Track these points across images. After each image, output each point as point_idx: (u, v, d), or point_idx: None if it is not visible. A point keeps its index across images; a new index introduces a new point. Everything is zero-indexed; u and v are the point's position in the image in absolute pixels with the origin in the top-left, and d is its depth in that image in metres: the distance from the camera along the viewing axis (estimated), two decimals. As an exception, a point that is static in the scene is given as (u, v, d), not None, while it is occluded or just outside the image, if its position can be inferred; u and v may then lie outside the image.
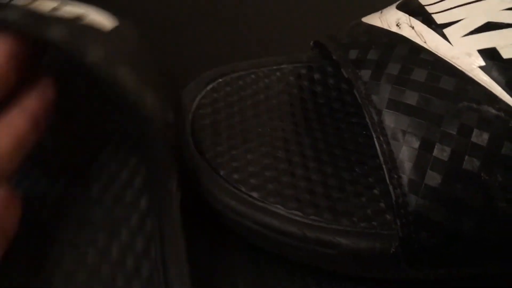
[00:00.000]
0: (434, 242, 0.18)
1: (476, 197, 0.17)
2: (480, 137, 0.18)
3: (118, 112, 0.21)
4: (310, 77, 0.25)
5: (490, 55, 0.18)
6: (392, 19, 0.21)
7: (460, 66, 0.18)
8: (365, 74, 0.20)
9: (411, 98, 0.19)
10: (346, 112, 0.23)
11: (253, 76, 0.25)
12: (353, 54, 0.21)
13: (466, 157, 0.18)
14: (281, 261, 0.21)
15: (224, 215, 0.20)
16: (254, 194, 0.20)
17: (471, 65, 0.18)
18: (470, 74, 0.18)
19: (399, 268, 0.19)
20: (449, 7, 0.20)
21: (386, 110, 0.19)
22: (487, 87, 0.18)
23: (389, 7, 0.22)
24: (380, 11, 0.23)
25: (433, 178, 0.18)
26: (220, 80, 0.24)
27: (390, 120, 0.19)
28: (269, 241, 0.20)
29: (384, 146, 0.18)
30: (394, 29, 0.21)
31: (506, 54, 0.18)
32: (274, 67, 0.26)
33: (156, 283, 0.17)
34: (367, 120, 0.19)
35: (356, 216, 0.20)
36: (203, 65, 0.25)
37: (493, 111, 0.18)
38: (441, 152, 0.18)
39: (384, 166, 0.18)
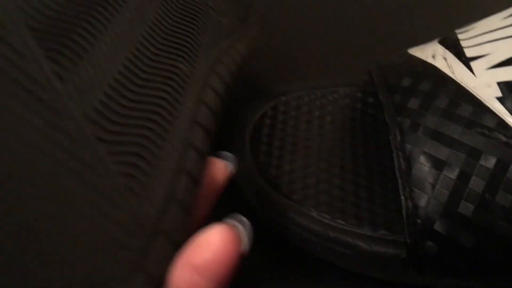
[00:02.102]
0: (437, 252, 0.20)
1: (478, 215, 0.19)
2: (488, 161, 0.19)
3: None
4: (364, 100, 0.28)
5: (507, 87, 0.20)
6: (430, 51, 0.23)
7: (479, 96, 0.20)
8: (396, 98, 0.22)
9: (430, 121, 0.21)
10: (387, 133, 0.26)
11: (311, 96, 0.28)
12: (391, 80, 0.23)
13: (473, 177, 0.19)
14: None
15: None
16: (294, 197, 0.23)
17: (489, 95, 0.20)
18: (487, 104, 0.20)
19: (408, 273, 0.21)
20: (479, 42, 0.22)
21: (408, 130, 0.21)
22: (500, 116, 0.20)
23: (433, 40, 0.25)
24: (426, 43, 0.25)
25: (441, 194, 0.20)
26: (279, 99, 0.28)
27: (409, 139, 0.21)
28: (299, 238, 0.23)
29: (401, 161, 0.21)
30: (429, 60, 0.23)
31: (522, 87, 0.20)
32: (331, 89, 0.29)
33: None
34: (391, 138, 0.21)
35: (377, 224, 0.22)
36: (262, 83, 0.29)
37: (503, 138, 0.19)
38: (450, 171, 0.20)
39: (399, 180, 0.21)
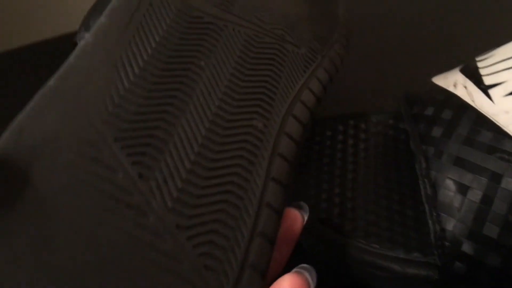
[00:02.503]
0: (466, 272, 0.21)
1: (503, 236, 0.20)
2: (509, 184, 0.20)
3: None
4: (395, 127, 0.30)
5: (524, 113, 0.21)
6: (451, 80, 0.25)
7: (498, 122, 0.22)
8: (421, 127, 0.24)
9: (453, 148, 0.22)
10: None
11: (345, 126, 0.30)
12: (415, 109, 0.25)
13: (496, 200, 0.21)
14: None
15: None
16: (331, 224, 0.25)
17: (507, 121, 0.21)
18: (506, 129, 0.21)
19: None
20: (497, 70, 0.23)
21: (432, 158, 0.23)
22: (519, 141, 0.21)
23: (456, 68, 0.26)
24: (449, 71, 0.26)
25: (466, 217, 0.21)
26: (314, 131, 0.30)
27: (434, 166, 0.22)
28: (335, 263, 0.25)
29: (428, 188, 0.22)
30: (451, 88, 0.24)
31: (538, 112, 0.21)
32: (364, 117, 0.30)
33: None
34: (416, 166, 0.23)
35: (410, 247, 0.23)
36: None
37: (522, 162, 0.20)
38: (474, 195, 0.21)
39: (426, 206, 0.22)
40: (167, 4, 0.21)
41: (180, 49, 0.20)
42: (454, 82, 0.24)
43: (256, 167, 0.18)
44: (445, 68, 0.28)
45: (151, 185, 0.16)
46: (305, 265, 0.18)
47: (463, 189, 0.21)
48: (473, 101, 0.23)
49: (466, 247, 0.21)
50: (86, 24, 0.24)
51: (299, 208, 0.20)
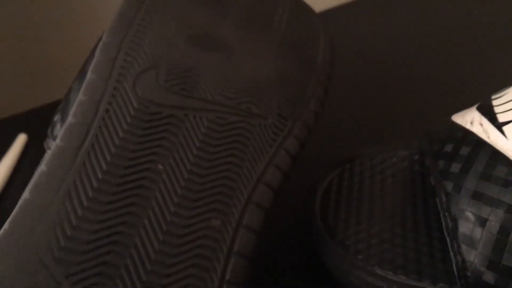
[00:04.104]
0: (489, 301, 0.22)
1: (521, 266, 0.21)
2: (525, 216, 0.22)
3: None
4: (421, 162, 0.31)
5: (535, 148, 0.22)
6: (469, 118, 0.26)
7: (512, 157, 0.23)
8: (441, 163, 0.26)
9: (471, 183, 0.24)
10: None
11: (372, 162, 0.32)
12: (435, 147, 0.27)
13: (513, 231, 0.22)
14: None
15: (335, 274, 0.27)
16: (360, 256, 0.27)
17: (521, 156, 0.23)
18: (520, 164, 0.23)
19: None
20: (510, 108, 0.25)
21: (452, 192, 0.24)
22: (532, 174, 0.22)
23: (472, 107, 0.28)
24: (467, 109, 0.28)
25: (486, 248, 0.22)
26: (344, 167, 0.32)
27: (453, 201, 0.24)
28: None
29: (448, 221, 0.24)
30: (468, 126, 0.26)
31: (549, 147, 0.22)
32: (390, 153, 0.32)
33: None
34: (437, 200, 0.24)
35: (437, 277, 0.25)
36: (326, 151, 0.33)
37: (536, 194, 0.22)
38: (492, 227, 0.22)
39: (447, 238, 0.24)
40: (125, 107, 0.21)
41: (136, 156, 0.19)
42: (471, 120, 0.26)
43: (210, 273, 0.18)
44: (466, 106, 0.30)
45: None
46: None
47: (481, 221, 0.23)
48: (488, 137, 0.24)
49: (487, 277, 0.22)
50: (52, 128, 0.23)
51: None
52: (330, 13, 0.53)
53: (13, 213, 0.18)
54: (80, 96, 0.21)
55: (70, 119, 0.20)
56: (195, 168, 0.20)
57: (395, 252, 0.26)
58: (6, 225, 0.17)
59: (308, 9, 0.31)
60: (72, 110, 0.21)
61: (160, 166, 0.20)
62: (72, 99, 0.23)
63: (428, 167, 0.28)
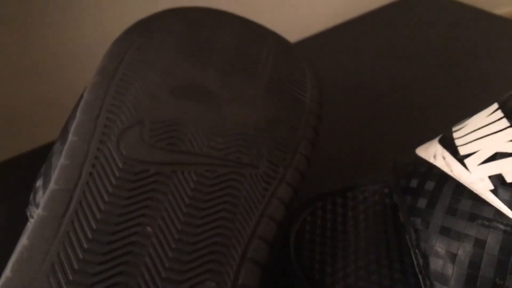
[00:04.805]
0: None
1: (493, 300, 0.21)
2: (492, 249, 0.22)
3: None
4: (391, 195, 0.31)
5: (497, 180, 0.23)
6: (432, 151, 0.27)
7: (476, 190, 0.23)
8: (408, 199, 0.26)
9: (438, 218, 0.24)
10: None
11: (344, 198, 0.32)
12: (402, 181, 0.27)
13: (482, 266, 0.22)
14: None
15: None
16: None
17: (484, 188, 0.23)
18: (483, 197, 0.23)
19: None
20: (470, 140, 0.25)
21: (420, 228, 0.24)
22: (496, 206, 0.22)
23: (435, 139, 0.28)
24: (430, 141, 0.28)
25: (458, 284, 0.22)
26: (316, 205, 0.32)
27: (422, 237, 0.24)
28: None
29: (419, 257, 0.24)
30: (431, 159, 0.26)
31: (510, 178, 0.22)
32: (361, 189, 0.32)
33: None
34: (407, 237, 0.24)
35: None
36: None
37: (502, 226, 0.22)
38: (461, 262, 0.22)
39: (419, 275, 0.23)
40: (109, 169, 0.20)
41: (123, 220, 0.19)
42: (434, 153, 0.26)
43: None
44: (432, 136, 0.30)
45: None
46: None
47: (451, 257, 0.23)
48: (451, 171, 0.25)
49: (462, 313, 0.22)
50: (34, 194, 0.23)
51: None
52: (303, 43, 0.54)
53: None
54: (62, 160, 0.20)
55: (52, 185, 0.20)
56: (185, 228, 0.19)
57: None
58: None
59: (292, 48, 0.31)
60: (54, 176, 0.20)
61: (149, 229, 0.19)
62: (54, 163, 0.22)
63: (396, 203, 0.29)
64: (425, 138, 0.30)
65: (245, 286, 0.19)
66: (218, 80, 0.26)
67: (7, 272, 0.17)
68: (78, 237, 0.18)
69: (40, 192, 0.22)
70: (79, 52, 0.47)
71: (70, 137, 0.21)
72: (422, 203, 0.25)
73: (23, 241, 0.18)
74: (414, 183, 0.26)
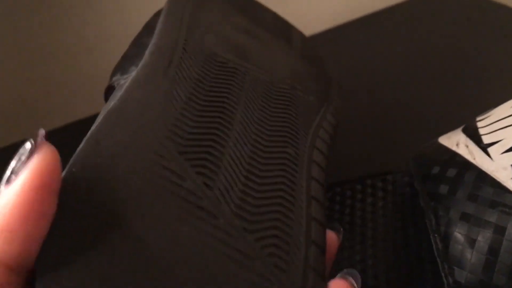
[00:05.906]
0: (481, 321, 0.22)
1: (510, 285, 0.22)
2: (512, 236, 0.22)
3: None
4: (411, 184, 0.32)
5: (520, 168, 0.23)
6: (454, 139, 0.27)
7: (498, 178, 0.23)
8: (429, 185, 0.26)
9: (459, 204, 0.24)
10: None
11: (363, 185, 0.32)
12: (423, 169, 0.27)
13: (501, 252, 0.22)
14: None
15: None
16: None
17: (506, 176, 0.23)
18: (505, 184, 0.23)
19: None
20: (494, 129, 0.25)
21: (441, 214, 0.25)
22: (518, 195, 0.23)
23: (458, 129, 0.28)
24: (453, 131, 0.29)
25: (476, 269, 0.23)
26: (334, 190, 0.32)
27: (443, 222, 0.24)
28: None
29: (438, 243, 0.24)
30: (454, 148, 0.26)
31: (533, 167, 0.22)
32: (380, 177, 0.32)
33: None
34: (427, 221, 0.25)
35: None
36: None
37: (523, 214, 0.22)
38: (481, 247, 0.23)
39: (438, 259, 0.24)
40: (199, 50, 0.24)
41: (214, 88, 0.22)
42: (457, 141, 0.27)
43: (297, 186, 0.20)
44: (452, 127, 0.30)
45: (216, 194, 0.18)
46: (350, 270, 0.20)
47: (471, 242, 0.23)
48: (474, 159, 0.25)
49: (479, 298, 0.22)
50: (122, 69, 0.26)
51: (335, 231, 0.22)
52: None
53: (118, 99, 0.19)
54: (154, 41, 0.23)
55: (151, 44, 0.23)
56: (263, 112, 0.23)
57: (388, 276, 0.27)
58: (116, 103, 0.19)
59: (313, 46, 0.35)
60: (153, 38, 0.23)
61: (235, 100, 0.22)
62: (130, 56, 0.26)
63: (417, 189, 0.29)
64: (442, 131, 0.30)
65: (316, 162, 0.22)
66: (265, 34, 0.30)
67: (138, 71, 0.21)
68: (182, 82, 0.21)
69: (126, 66, 0.25)
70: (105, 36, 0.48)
71: (160, 26, 0.24)
72: (443, 189, 0.25)
73: (133, 76, 0.21)
74: (436, 170, 0.26)
